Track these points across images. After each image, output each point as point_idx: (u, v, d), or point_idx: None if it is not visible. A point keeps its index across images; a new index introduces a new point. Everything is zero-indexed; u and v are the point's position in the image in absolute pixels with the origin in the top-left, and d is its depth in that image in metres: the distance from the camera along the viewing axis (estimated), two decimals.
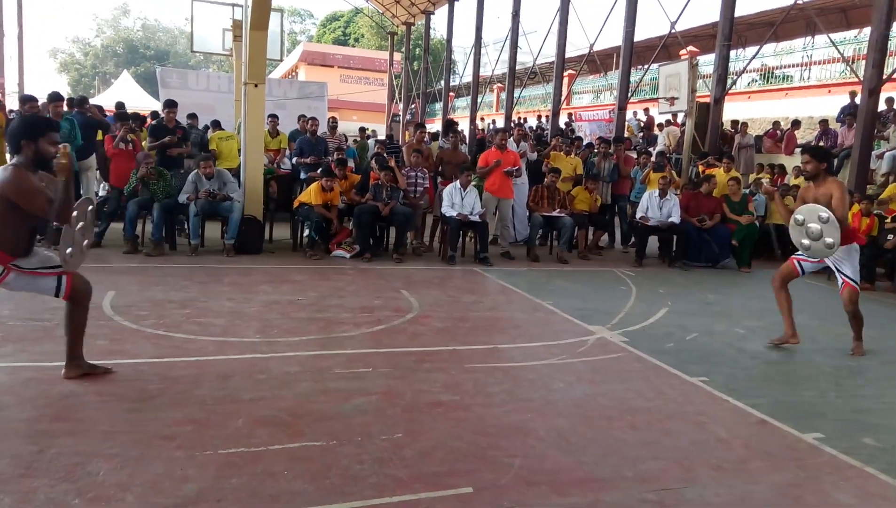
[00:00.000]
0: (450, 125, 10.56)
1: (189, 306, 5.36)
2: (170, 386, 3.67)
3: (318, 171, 8.58)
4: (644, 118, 18.56)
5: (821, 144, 12.38)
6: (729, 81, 13.30)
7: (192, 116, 11.09)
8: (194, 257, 7.39)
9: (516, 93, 21.60)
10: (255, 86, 8.30)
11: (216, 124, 11.54)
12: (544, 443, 3.23)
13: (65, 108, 8.52)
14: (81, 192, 8.53)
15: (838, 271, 5.02)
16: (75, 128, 7.98)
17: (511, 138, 10.09)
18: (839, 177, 11.25)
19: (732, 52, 14.74)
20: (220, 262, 7.29)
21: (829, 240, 4.71)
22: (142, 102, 23.72)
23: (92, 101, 11.87)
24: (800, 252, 5.04)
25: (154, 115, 12.13)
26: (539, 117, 23.59)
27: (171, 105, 8.82)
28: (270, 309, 5.44)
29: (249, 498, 2.59)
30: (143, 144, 8.46)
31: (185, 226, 7.93)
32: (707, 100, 13.00)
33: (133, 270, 6.66)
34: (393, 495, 2.67)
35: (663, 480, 2.93)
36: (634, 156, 11.31)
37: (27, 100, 7.60)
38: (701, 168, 10.77)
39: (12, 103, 15.41)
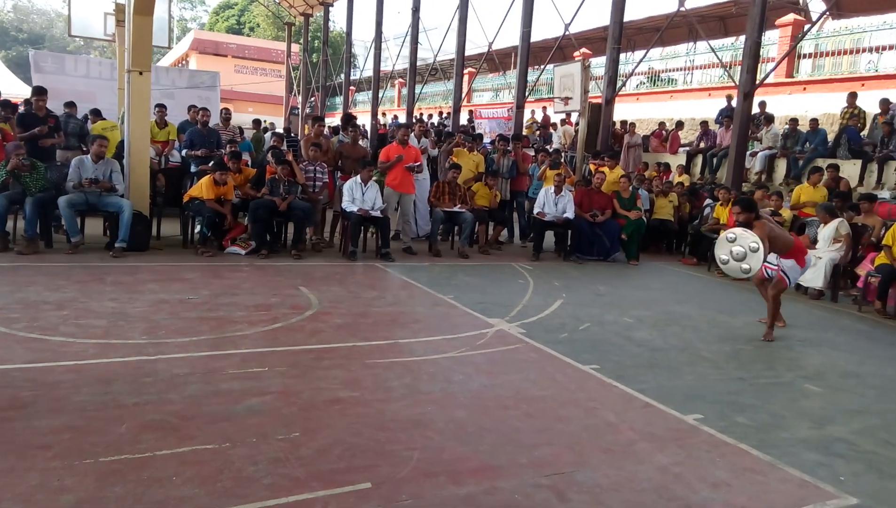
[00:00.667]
0: (348, 119, 10.43)
1: (67, 307, 5.00)
2: (45, 392, 3.41)
3: (210, 164, 8.24)
4: (540, 117, 19.15)
5: (701, 144, 13.25)
6: (619, 83, 13.94)
7: (70, 105, 10.32)
8: (72, 254, 6.90)
9: (417, 89, 21.65)
10: (140, 74, 7.85)
11: (96, 113, 10.83)
12: (442, 435, 3.26)
13: None
14: None
15: (780, 269, 5.65)
16: None
17: (413, 134, 10.11)
18: (717, 176, 12.10)
19: (622, 56, 15.47)
20: (101, 260, 6.85)
21: (746, 266, 5.13)
22: (14, 89, 21.87)
23: None
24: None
25: (26, 102, 11.22)
26: (441, 114, 23.78)
27: (40, 92, 8.19)
28: (158, 309, 5.17)
29: (134, 506, 2.45)
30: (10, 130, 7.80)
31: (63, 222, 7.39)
32: (599, 100, 13.57)
33: (3, 269, 6.13)
34: (289, 495, 2.62)
35: (556, 465, 3.04)
36: (532, 154, 11.65)
37: None
38: (592, 166, 11.24)
39: None
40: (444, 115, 21.25)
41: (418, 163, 8.89)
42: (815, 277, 7.56)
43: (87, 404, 3.32)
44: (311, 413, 3.42)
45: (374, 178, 8.37)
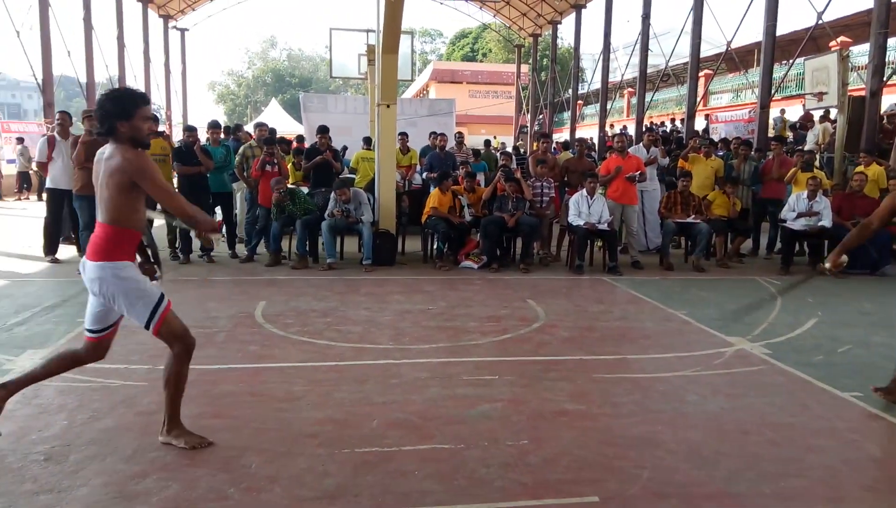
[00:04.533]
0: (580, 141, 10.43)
1: (330, 315, 5.73)
2: (313, 388, 3.96)
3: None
4: (792, 117, 17.26)
5: None
6: (888, 71, 12.09)
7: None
8: (334, 269, 7.86)
9: (648, 96, 20.92)
10: (388, 106, 8.71)
11: (367, 141, 11.78)
12: (675, 455, 3.14)
13: (222, 135, 9.43)
14: (236, 211, 9.39)
15: None
16: (231, 153, 8.80)
17: (641, 144, 9.82)
18: None
19: (891, 40, 13.37)
20: (357, 274, 7.71)
21: None
22: (288, 127, 25.58)
23: (245, 127, 12.98)
24: None
25: (299, 138, 13.06)
26: (672, 120, 22.67)
27: (323, 131, 9.42)
28: (403, 318, 5.69)
29: (383, 495, 2.75)
30: (289, 166, 9.14)
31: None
32: (862, 93, 11.89)
33: (280, 281, 7.22)
34: (518, 499, 2.73)
35: (808, 499, 2.76)
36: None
37: (188, 130, 8.51)
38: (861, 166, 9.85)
39: (178, 133, 17.21)
40: (678, 121, 20.23)
41: (640, 172, 8.61)
42: None
43: (345, 400, 3.79)
44: (539, 423, 3.51)
45: (599, 191, 8.31)
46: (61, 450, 3.06)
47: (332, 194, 8.16)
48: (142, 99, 3.02)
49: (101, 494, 2.69)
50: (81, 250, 7.65)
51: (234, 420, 3.46)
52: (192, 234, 3.52)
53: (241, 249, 8.67)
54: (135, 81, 24.89)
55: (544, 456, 3.10)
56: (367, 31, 14.82)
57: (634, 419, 3.57)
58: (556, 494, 2.77)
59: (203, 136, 9.06)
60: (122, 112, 2.90)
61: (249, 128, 12.64)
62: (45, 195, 8.35)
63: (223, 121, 18.63)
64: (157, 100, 26.72)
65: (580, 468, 3.01)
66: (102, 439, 3.19)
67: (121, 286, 2.97)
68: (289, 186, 8.42)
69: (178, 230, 8.09)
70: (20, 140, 17.86)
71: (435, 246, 8.49)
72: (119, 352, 4.51)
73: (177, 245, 8.19)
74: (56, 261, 7.89)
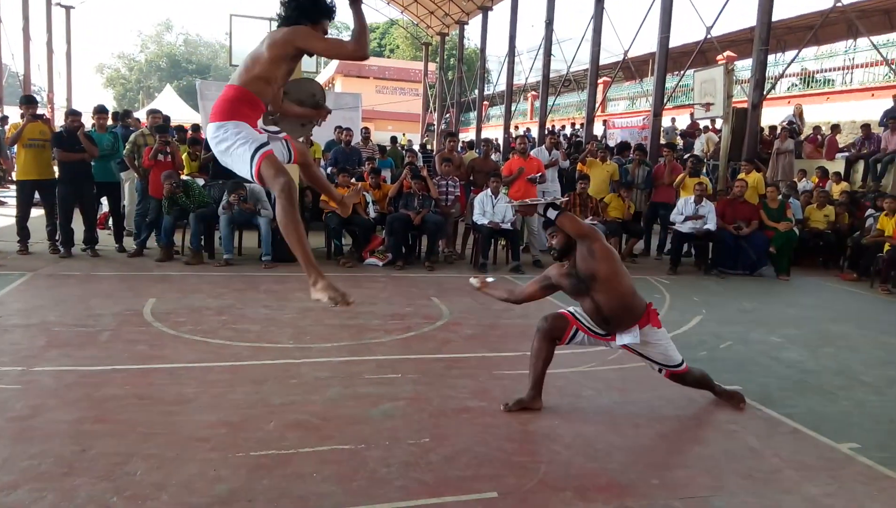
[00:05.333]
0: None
1: (226, 313, 5.50)
2: (206, 390, 3.78)
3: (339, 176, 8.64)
4: (681, 125, 18.30)
5: (863, 149, 12.08)
6: (767, 86, 13.05)
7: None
8: (231, 265, 7.55)
9: (550, 101, 21.54)
10: None
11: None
12: (570, 449, 3.23)
13: (109, 121, 8.84)
14: (124, 203, 8.84)
15: None
16: (119, 141, 8.27)
17: (543, 147, 10.10)
18: (882, 183, 10.97)
19: (771, 57, 14.45)
20: (256, 270, 7.45)
21: None
22: (184, 115, 24.39)
23: (136, 114, 12.26)
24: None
25: (195, 127, 12.47)
26: (573, 125, 23.48)
27: None
28: (304, 316, 5.55)
29: (279, 499, 2.66)
30: (184, 156, 8.69)
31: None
32: (745, 105, 12.78)
33: (172, 278, 6.86)
34: (419, 498, 2.72)
35: (691, 488, 2.91)
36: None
37: (71, 114, 7.88)
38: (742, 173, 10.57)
39: (61, 117, 16.00)
40: (578, 126, 20.97)
41: (540, 174, 8.86)
42: None
43: (241, 402, 3.64)
44: (441, 421, 3.52)
45: (503, 191, 8.46)
46: None
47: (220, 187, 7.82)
48: None
49: None
50: None
51: (118, 425, 3.25)
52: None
53: (129, 242, 8.16)
54: (12, 61, 22.95)
55: (445, 454, 3.11)
56: (270, 19, 14.35)
57: (533, 415, 3.65)
58: (456, 491, 2.78)
59: (88, 121, 8.46)
60: None
61: (141, 115, 11.95)
62: None
63: (111, 106, 17.47)
64: (38, 81, 24.75)
65: (480, 464, 3.03)
66: None
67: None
68: (183, 177, 8.02)
69: (57, 222, 7.48)
70: None
71: (332, 242, 8.35)
72: None
73: (56, 237, 7.60)
74: None
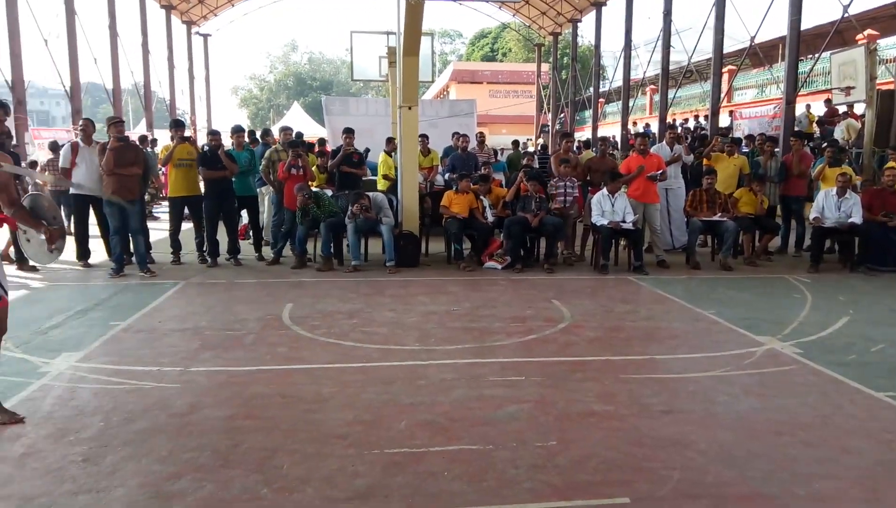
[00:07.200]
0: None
1: (355, 317, 5.77)
2: (341, 390, 3.99)
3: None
4: (818, 112, 16.97)
5: None
6: None
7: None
8: (359, 271, 7.90)
9: (670, 94, 20.73)
10: (409, 108, 8.74)
11: (389, 141, 11.89)
12: (706, 456, 3.12)
13: (245, 139, 9.52)
14: (262, 215, 9.48)
15: None
16: (255, 157, 8.89)
17: (664, 142, 9.74)
18: None
19: None
20: (381, 275, 7.75)
21: None
22: (310, 130, 25.77)
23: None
24: None
25: (321, 141, 13.13)
26: (696, 117, 22.42)
27: (349, 132, 9.49)
28: (428, 319, 5.71)
29: (413, 496, 2.77)
30: (314, 168, 9.20)
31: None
32: (891, 87, 11.67)
33: (306, 284, 7.28)
34: (549, 500, 2.73)
35: (842, 501, 2.72)
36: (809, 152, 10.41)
37: (212, 134, 8.60)
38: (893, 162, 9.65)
39: (202, 138, 17.42)
40: (702, 118, 20.00)
41: (661, 171, 8.53)
42: None
43: (373, 401, 3.81)
44: (566, 424, 3.51)
45: (622, 190, 8.26)
46: (98, 451, 3.13)
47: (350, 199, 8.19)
48: None
49: (137, 494, 2.75)
50: (111, 254, 7.82)
51: (265, 422, 3.51)
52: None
53: (267, 251, 8.76)
54: (159, 87, 25.27)
55: (573, 457, 3.10)
56: (388, 33, 14.87)
57: (663, 420, 3.55)
58: (586, 495, 2.77)
59: (227, 140, 9.16)
60: None
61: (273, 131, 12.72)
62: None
63: (246, 125, 18.81)
64: (181, 105, 27.08)
65: (609, 469, 3.00)
66: (137, 440, 3.26)
67: None
68: (313, 189, 8.49)
69: (204, 235, 8.21)
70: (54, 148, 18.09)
71: (452, 247, 8.50)
72: (149, 355, 4.61)
73: (204, 249, 8.30)
74: (88, 266, 8.03)
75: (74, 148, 7.87)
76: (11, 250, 8.17)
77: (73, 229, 8.31)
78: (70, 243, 8.22)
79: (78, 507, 2.65)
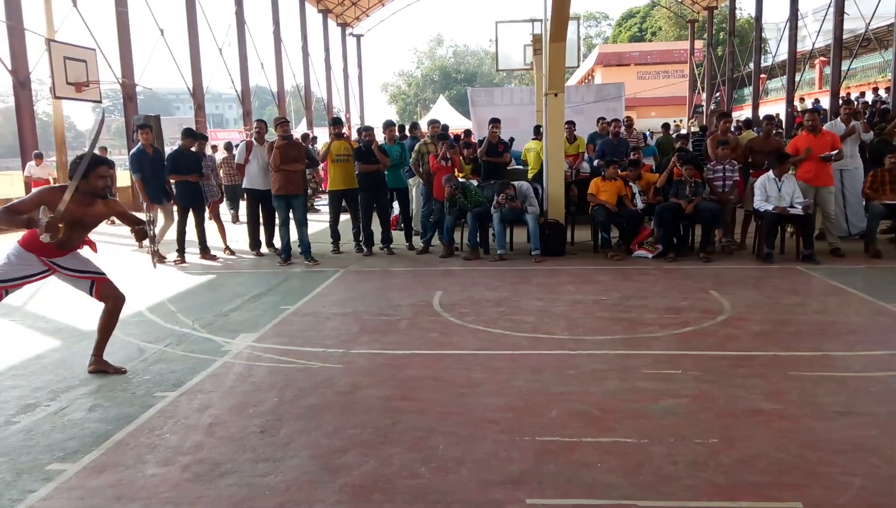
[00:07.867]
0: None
1: (503, 305, 5.84)
2: (491, 376, 4.07)
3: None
4: None
5: None
6: None
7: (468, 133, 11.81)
8: (505, 260, 7.96)
9: (844, 65, 18.74)
10: (556, 95, 8.64)
11: (536, 130, 11.86)
12: (893, 464, 2.82)
13: (396, 133, 9.91)
14: (412, 205, 9.83)
15: None
16: (405, 151, 9.23)
17: (839, 119, 8.84)
18: None
19: None
20: (527, 264, 7.76)
21: None
22: (456, 122, 26.28)
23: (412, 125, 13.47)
24: None
25: (467, 133, 13.35)
26: (875, 90, 20.10)
27: (495, 122, 9.61)
28: (575, 309, 5.64)
29: (566, 485, 2.76)
30: (460, 158, 9.38)
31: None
32: None
33: (454, 272, 7.47)
34: (711, 500, 2.61)
35: None
36: None
37: (365, 130, 9.06)
38: None
39: (355, 134, 18.34)
40: (882, 91, 17.88)
41: (836, 151, 7.71)
42: None
43: (523, 388, 3.84)
44: (730, 422, 3.32)
45: (790, 172, 7.58)
46: (274, 424, 3.43)
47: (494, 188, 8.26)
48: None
49: (309, 465, 2.99)
50: (271, 245, 8.54)
51: (420, 403, 3.66)
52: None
53: (416, 241, 9.09)
54: (318, 88, 26.95)
55: (738, 457, 2.94)
56: (532, 20, 14.76)
57: (841, 423, 3.26)
58: (753, 497, 2.61)
59: (379, 135, 9.59)
60: None
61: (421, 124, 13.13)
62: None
63: (396, 120, 19.55)
64: (337, 103, 28.72)
65: (779, 471, 2.81)
66: (307, 415, 3.53)
67: None
68: (460, 179, 8.66)
69: (360, 225, 8.69)
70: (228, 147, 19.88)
71: (599, 235, 8.30)
72: (315, 337, 4.97)
73: (360, 239, 8.78)
74: (260, 255, 8.80)
75: (249, 147, 8.64)
76: (228, 242, 9.06)
77: (247, 221, 9.11)
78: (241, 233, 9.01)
79: (258, 473, 2.93)
